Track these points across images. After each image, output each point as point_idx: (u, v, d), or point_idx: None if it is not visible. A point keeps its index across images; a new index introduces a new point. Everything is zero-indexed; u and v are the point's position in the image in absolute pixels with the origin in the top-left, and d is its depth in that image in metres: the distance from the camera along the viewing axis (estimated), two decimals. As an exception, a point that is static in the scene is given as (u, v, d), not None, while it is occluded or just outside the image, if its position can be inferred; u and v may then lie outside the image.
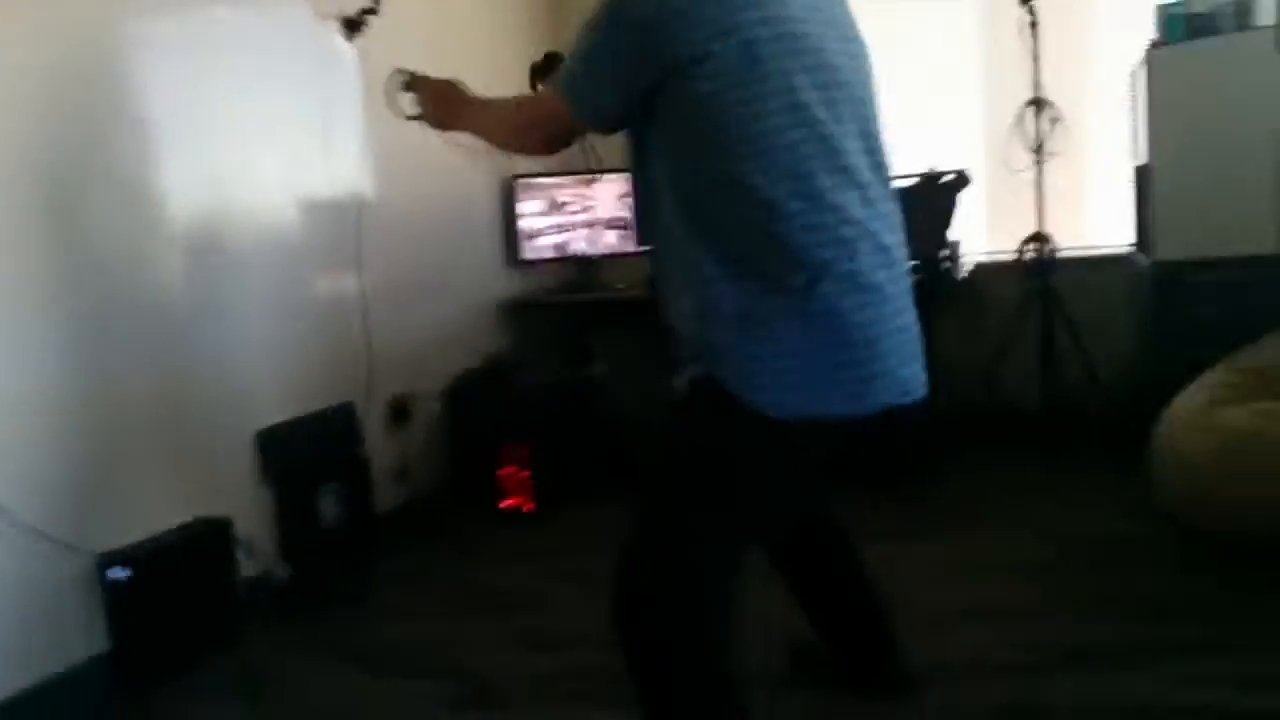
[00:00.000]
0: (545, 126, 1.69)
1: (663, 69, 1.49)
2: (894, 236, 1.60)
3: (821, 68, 1.52)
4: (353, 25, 3.25)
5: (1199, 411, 2.66)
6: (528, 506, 3.57)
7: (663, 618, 1.58)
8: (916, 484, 3.55)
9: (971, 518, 3.26)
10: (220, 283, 2.80)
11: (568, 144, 1.72)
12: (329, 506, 3.04)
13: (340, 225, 3.26)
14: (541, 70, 2.18)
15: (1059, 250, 3.86)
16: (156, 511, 2.55)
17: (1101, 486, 3.36)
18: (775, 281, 1.48)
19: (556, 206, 4.23)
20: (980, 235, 4.24)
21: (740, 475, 1.58)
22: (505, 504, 3.58)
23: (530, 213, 4.20)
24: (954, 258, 3.83)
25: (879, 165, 1.61)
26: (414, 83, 1.91)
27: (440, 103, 1.88)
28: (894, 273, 1.57)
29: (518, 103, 1.81)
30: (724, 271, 1.50)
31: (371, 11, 3.26)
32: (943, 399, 3.69)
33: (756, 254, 1.49)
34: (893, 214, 1.61)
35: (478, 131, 1.82)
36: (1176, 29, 3.38)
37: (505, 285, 4.25)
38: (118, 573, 2.32)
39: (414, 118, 1.93)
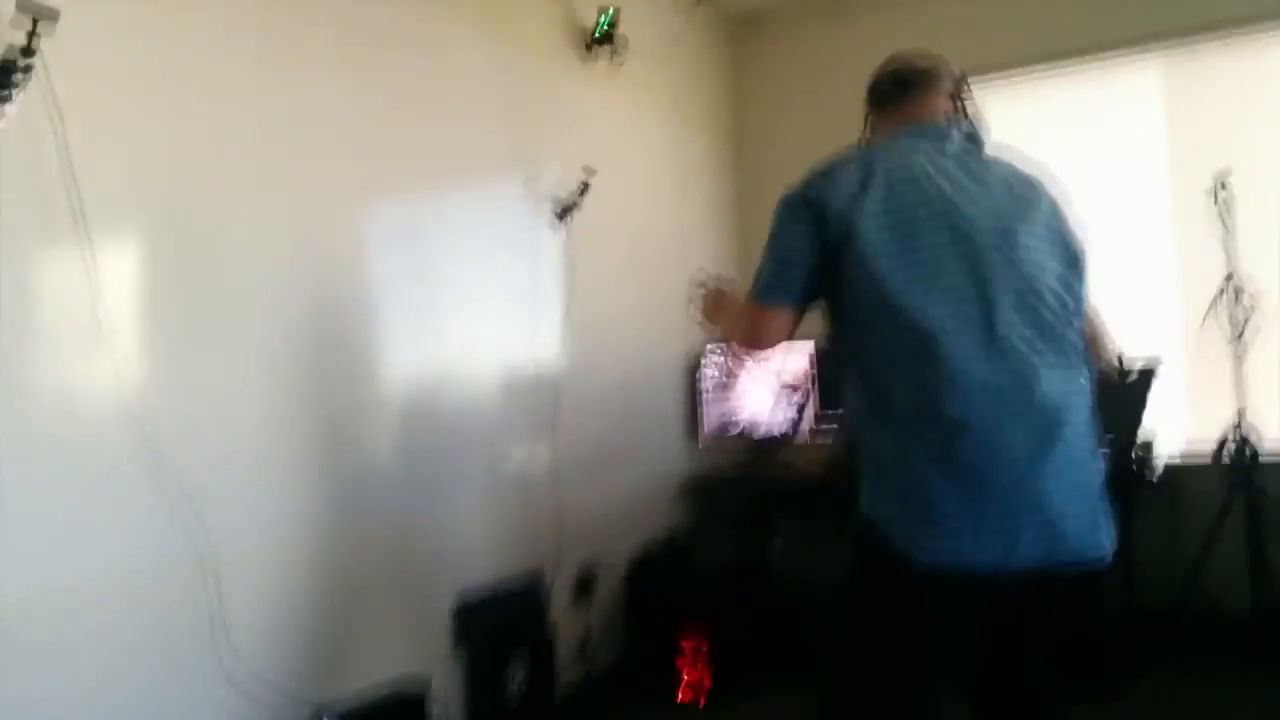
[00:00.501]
0: (748, 330, 1.89)
1: (819, 244, 1.74)
2: (1058, 388, 1.63)
3: (973, 250, 1.68)
4: (561, 213, 3.56)
5: None
6: (704, 692, 3.52)
7: None
8: (1112, 685, 3.34)
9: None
10: (433, 451, 2.99)
11: (784, 336, 1.86)
12: (515, 678, 3.10)
13: (539, 397, 3.45)
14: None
15: (1266, 444, 3.69)
16: (365, 667, 2.67)
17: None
18: (922, 440, 1.61)
19: (740, 383, 4.34)
20: (1179, 425, 4.09)
21: (899, 626, 1.64)
22: (683, 688, 3.55)
23: (714, 390, 4.33)
24: (1148, 456, 3.71)
25: (1047, 336, 1.67)
26: (703, 288, 2.16)
27: (710, 306, 2.12)
28: (1045, 425, 1.60)
29: (734, 314, 2.01)
30: (883, 436, 1.67)
31: (579, 200, 3.57)
32: (1141, 598, 3.55)
33: (910, 417, 1.63)
34: (1058, 368, 1.65)
35: (723, 333, 2.13)
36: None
37: (688, 461, 4.36)
38: (334, 728, 2.42)
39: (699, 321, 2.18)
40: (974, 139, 1.90)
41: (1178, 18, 4.10)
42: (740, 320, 1.92)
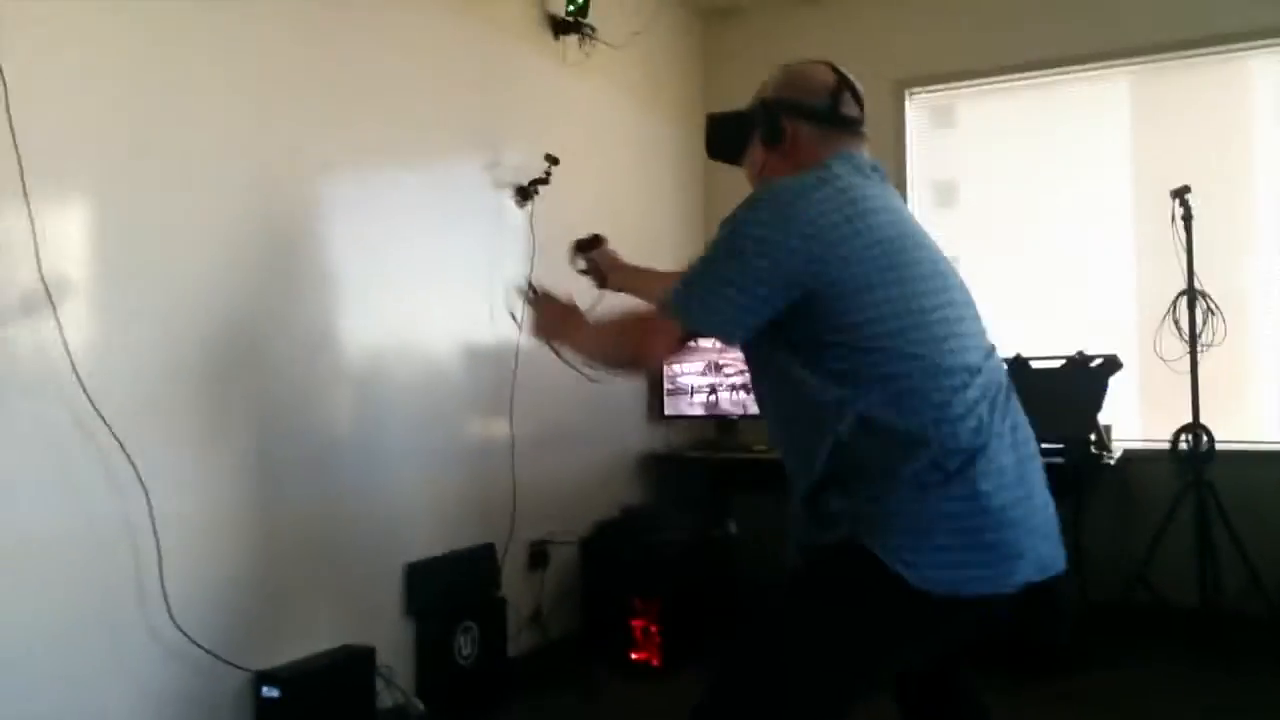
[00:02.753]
0: (645, 346, 1.74)
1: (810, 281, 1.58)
2: (1012, 419, 1.65)
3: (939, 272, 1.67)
4: (525, 193, 3.57)
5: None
6: (656, 661, 3.58)
7: None
8: (1063, 677, 3.41)
9: (1120, 718, 3.09)
10: (385, 421, 3.01)
11: (660, 362, 1.80)
12: (466, 645, 3.14)
13: (497, 373, 3.46)
14: (585, 245, 2.45)
15: (1216, 442, 3.74)
16: (310, 634, 2.69)
17: (1259, 695, 3.17)
18: (930, 465, 1.54)
19: (703, 364, 4.37)
20: (1134, 423, 4.16)
21: (863, 643, 1.58)
22: (635, 657, 3.61)
23: (677, 369, 4.35)
24: (1103, 443, 3.76)
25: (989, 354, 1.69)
26: (535, 299, 2.04)
27: (550, 318, 1.97)
28: (1023, 453, 1.63)
29: (619, 324, 1.83)
30: (884, 453, 1.57)
31: (542, 181, 3.57)
32: (1092, 590, 3.61)
33: (912, 440, 1.55)
34: (1008, 398, 1.68)
35: (576, 348, 1.89)
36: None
37: (647, 439, 4.38)
38: (270, 691, 2.45)
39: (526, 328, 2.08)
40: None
41: (1147, 36, 4.16)
42: (635, 336, 1.77)
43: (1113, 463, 3.75)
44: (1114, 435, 3.91)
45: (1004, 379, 1.69)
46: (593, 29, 3.85)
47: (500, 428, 3.47)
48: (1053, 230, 4.35)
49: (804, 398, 1.64)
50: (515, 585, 3.48)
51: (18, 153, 2.00)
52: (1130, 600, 3.73)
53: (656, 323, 1.70)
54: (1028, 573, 1.58)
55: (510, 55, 3.59)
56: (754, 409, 4.28)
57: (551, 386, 3.69)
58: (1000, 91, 4.50)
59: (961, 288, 1.72)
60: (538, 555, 3.63)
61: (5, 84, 1.97)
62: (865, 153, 1.80)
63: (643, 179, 4.47)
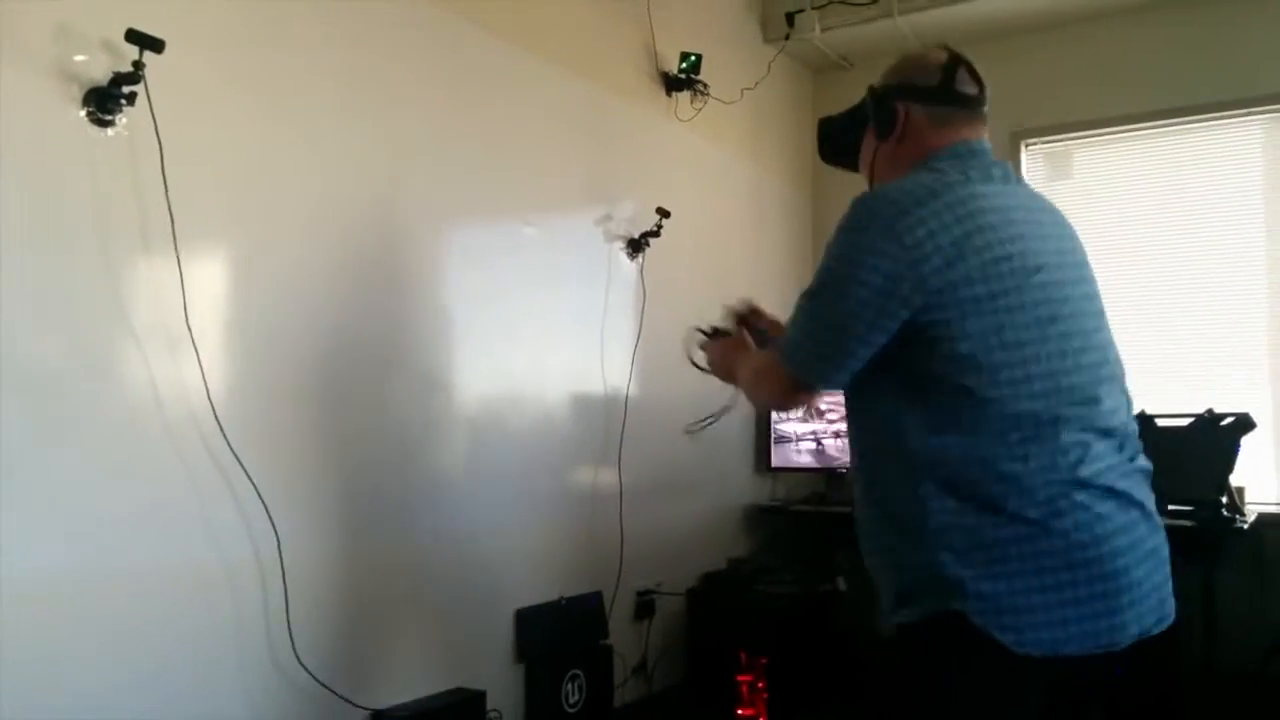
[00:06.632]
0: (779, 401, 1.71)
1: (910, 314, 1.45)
2: (1131, 453, 1.53)
3: (1055, 303, 1.47)
4: (636, 245, 3.64)
5: None
6: (763, 718, 3.52)
7: None
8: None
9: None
10: (497, 466, 3.07)
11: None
12: (574, 692, 3.15)
13: (607, 422, 3.51)
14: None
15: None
16: (424, 676, 2.75)
17: None
18: (1012, 514, 1.42)
19: (812, 416, 4.33)
20: (1270, 484, 3.96)
21: (982, 712, 1.48)
22: (741, 713, 3.55)
23: (785, 421, 4.33)
24: (1235, 505, 3.58)
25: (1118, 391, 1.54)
26: (708, 340, 1.97)
27: (723, 358, 1.91)
28: (1141, 494, 1.50)
29: (758, 371, 1.75)
30: (957, 505, 1.44)
31: (653, 234, 3.64)
32: (1225, 660, 3.42)
33: (992, 489, 1.42)
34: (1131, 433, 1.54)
35: (740, 386, 1.84)
36: None
37: (754, 490, 4.37)
38: (385, 731, 2.50)
39: (704, 369, 1.99)
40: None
41: (1277, 84, 4.01)
42: (768, 388, 1.72)
43: (1246, 526, 3.56)
44: (1247, 497, 3.73)
45: None
46: (705, 85, 3.92)
47: (609, 476, 3.51)
48: (1178, 283, 4.20)
49: None
50: (622, 634, 3.49)
51: (170, 210, 2.14)
52: (1267, 671, 3.53)
53: (780, 373, 1.60)
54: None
55: (624, 112, 3.69)
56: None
57: (659, 436, 3.73)
58: (1120, 140, 4.39)
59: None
60: (644, 605, 3.63)
61: (161, 147, 2.12)
62: (986, 137, 1.62)
63: (752, 231, 4.51)
